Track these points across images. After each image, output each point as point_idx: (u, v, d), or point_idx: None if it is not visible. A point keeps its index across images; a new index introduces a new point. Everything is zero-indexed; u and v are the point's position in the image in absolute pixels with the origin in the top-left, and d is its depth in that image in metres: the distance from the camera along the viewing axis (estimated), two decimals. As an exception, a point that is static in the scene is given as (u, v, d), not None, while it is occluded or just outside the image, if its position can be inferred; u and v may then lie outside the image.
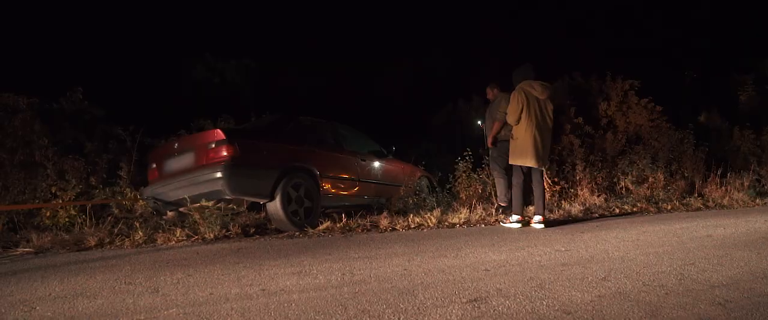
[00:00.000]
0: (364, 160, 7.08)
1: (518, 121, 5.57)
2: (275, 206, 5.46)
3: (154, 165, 5.89)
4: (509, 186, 6.02)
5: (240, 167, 5.20)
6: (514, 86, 5.73)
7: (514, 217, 5.67)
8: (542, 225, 5.60)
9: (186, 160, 5.47)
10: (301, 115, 6.63)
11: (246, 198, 5.46)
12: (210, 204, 5.31)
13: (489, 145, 6.28)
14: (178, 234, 5.05)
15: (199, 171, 5.21)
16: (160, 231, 5.27)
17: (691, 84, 15.99)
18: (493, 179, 7.09)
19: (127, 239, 5.00)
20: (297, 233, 5.45)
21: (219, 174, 5.06)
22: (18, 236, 5.18)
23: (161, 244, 4.92)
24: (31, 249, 4.63)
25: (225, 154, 5.18)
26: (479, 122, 7.33)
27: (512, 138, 5.70)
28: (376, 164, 7.37)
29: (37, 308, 2.67)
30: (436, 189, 8.06)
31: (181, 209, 5.61)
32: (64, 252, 4.67)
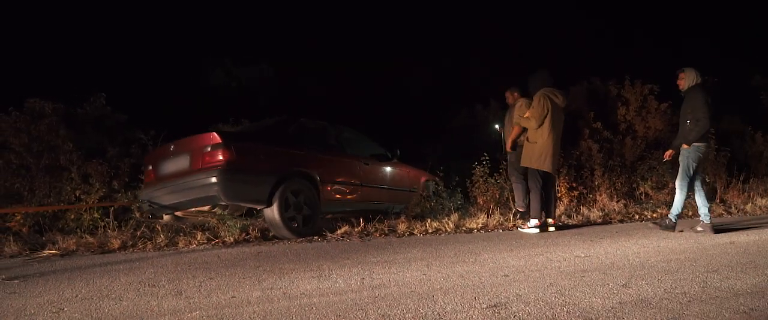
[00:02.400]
0: (368, 164, 6.81)
1: (540, 125, 5.57)
2: (272, 213, 5.30)
3: (150, 168, 5.75)
4: (527, 191, 6.03)
5: (236, 172, 5.06)
6: (532, 92, 5.76)
7: (532, 222, 5.67)
8: (554, 228, 5.87)
9: (181, 163, 5.31)
10: (304, 117, 6.44)
11: (242, 204, 5.33)
12: (206, 209, 5.26)
13: (508, 150, 6.28)
14: (198, 238, 5.13)
15: (194, 175, 5.06)
16: (181, 234, 5.35)
17: (711, 88, 15.78)
18: (511, 184, 7.07)
19: (149, 242, 5.09)
20: (315, 237, 5.49)
21: (214, 179, 4.93)
22: (44, 238, 5.29)
23: (182, 247, 4.99)
24: (56, 252, 4.73)
25: (220, 158, 5.02)
26: (497, 126, 7.27)
27: (528, 141, 5.72)
28: (380, 168, 7.10)
29: (65, 309, 2.74)
30: (442, 192, 7.73)
31: (177, 213, 5.52)
32: (88, 254, 4.77)
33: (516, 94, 6.34)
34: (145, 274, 3.64)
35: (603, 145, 9.38)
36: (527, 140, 5.74)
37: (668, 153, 5.86)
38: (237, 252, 4.66)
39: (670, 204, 8.27)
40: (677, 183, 5.49)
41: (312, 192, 5.69)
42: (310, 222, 5.61)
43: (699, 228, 5.43)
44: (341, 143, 6.68)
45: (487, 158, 7.98)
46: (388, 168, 7.26)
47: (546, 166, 5.61)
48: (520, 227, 5.85)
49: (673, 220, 5.52)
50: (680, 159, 5.47)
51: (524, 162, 5.73)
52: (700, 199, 5.54)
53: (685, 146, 5.43)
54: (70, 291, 3.15)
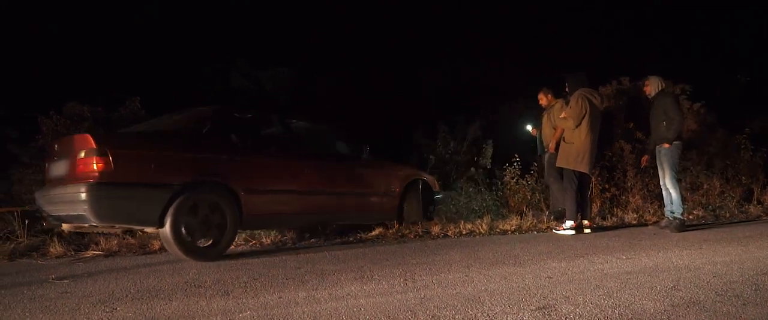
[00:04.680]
0: (322, 166, 5.42)
1: (578, 126, 5.54)
2: (166, 234, 4.24)
3: (46, 166, 4.74)
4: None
5: (113, 186, 4.01)
6: (570, 92, 5.74)
7: (568, 223, 5.62)
8: (589, 230, 5.82)
9: (62, 167, 4.39)
10: (238, 108, 5.29)
11: (123, 226, 4.43)
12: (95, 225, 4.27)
13: (551, 150, 6.21)
14: (237, 239, 5.20)
15: (67, 186, 4.13)
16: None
17: (745, 87, 15.42)
18: (544, 185, 7.01)
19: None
20: (350, 238, 5.52)
21: (83, 196, 3.92)
22: (86, 239, 5.42)
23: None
24: (100, 252, 4.85)
25: (93, 168, 3.97)
26: (529, 126, 7.11)
27: (564, 142, 5.71)
28: (341, 169, 5.68)
29: (118, 309, 2.80)
30: (438, 196, 6.75)
31: (64, 226, 4.52)
32: (130, 255, 4.88)
33: (550, 95, 6.29)
34: (189, 275, 3.70)
35: (635, 146, 9.24)
36: (564, 140, 5.71)
37: (645, 158, 6.44)
38: (275, 252, 4.72)
39: (706, 206, 8.14)
40: (668, 182, 5.91)
41: (225, 205, 4.49)
42: (220, 242, 4.48)
43: (663, 224, 6.04)
44: (289, 140, 5.39)
45: (517, 160, 7.93)
46: (354, 170, 5.80)
47: (583, 167, 5.59)
48: (555, 229, 5.80)
49: (680, 217, 5.81)
50: (664, 159, 5.90)
51: (560, 163, 5.70)
52: (668, 197, 6.01)
53: (666, 145, 5.82)
54: (120, 291, 3.22)
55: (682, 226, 5.75)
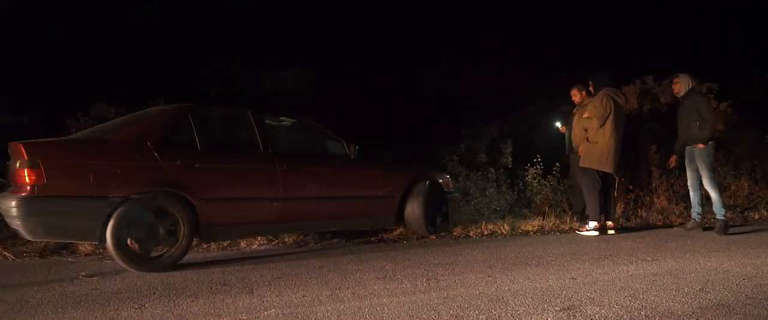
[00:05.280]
0: (298, 168, 4.73)
1: (602, 125, 5.46)
2: (109, 247, 3.85)
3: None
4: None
5: (45, 201, 3.67)
6: (595, 90, 5.66)
7: (591, 224, 5.55)
8: (613, 231, 5.70)
9: (10, 176, 4.09)
10: (202, 106, 4.66)
11: (61, 240, 4.21)
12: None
13: (581, 153, 6.05)
14: (259, 238, 5.25)
15: (6, 198, 3.81)
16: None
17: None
18: (566, 185, 6.94)
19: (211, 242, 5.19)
20: (372, 238, 5.54)
21: (14, 211, 3.64)
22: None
23: (244, 247, 5.13)
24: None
25: (25, 180, 3.66)
26: (557, 123, 6.89)
27: (588, 142, 5.61)
28: (322, 171, 5.00)
29: (146, 306, 2.86)
30: (452, 195, 5.93)
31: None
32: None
33: (584, 92, 6.07)
34: (214, 273, 3.75)
35: (660, 146, 9.10)
36: (588, 140, 5.62)
37: (673, 158, 6.20)
38: (297, 252, 4.76)
39: (734, 207, 7.97)
40: (707, 184, 5.65)
41: (183, 216, 4.04)
42: (169, 255, 4.01)
43: (689, 226, 5.87)
44: (264, 140, 4.69)
45: (539, 160, 7.85)
46: (340, 171, 5.14)
47: (607, 167, 5.51)
48: (579, 230, 5.73)
49: (723, 218, 5.57)
50: (699, 159, 5.68)
51: (584, 163, 5.61)
52: (696, 198, 5.85)
53: (701, 145, 5.59)
54: (147, 289, 3.28)
55: (726, 228, 5.51)
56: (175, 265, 3.99)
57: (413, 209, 5.36)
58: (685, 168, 5.98)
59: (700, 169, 5.68)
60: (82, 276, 3.75)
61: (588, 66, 5.79)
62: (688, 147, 5.77)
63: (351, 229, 5.44)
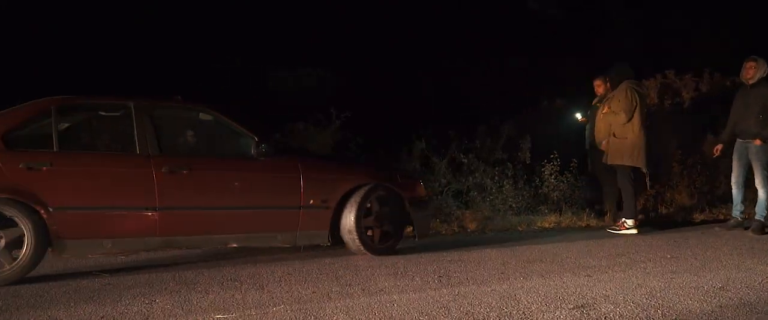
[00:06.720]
0: (182, 171, 3.85)
1: (630, 119, 5.25)
2: None
3: None
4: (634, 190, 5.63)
5: None
6: (616, 83, 5.45)
7: (630, 222, 5.33)
8: (636, 230, 5.41)
9: None
10: (76, 96, 4.07)
11: None
12: None
13: (604, 148, 5.89)
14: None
15: None
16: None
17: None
18: (584, 182, 6.82)
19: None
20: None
21: None
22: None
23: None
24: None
25: None
26: (578, 115, 6.64)
27: (615, 137, 5.38)
28: (220, 174, 4.07)
29: (157, 301, 2.86)
30: (416, 207, 4.49)
31: None
32: (168, 249, 4.96)
33: (608, 83, 5.84)
34: (226, 269, 3.76)
35: (681, 141, 8.92)
36: (614, 135, 5.38)
37: (718, 147, 5.64)
38: (309, 247, 4.74)
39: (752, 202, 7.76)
40: (759, 182, 5.21)
41: (28, 226, 3.46)
42: (12, 267, 3.43)
43: (731, 225, 5.43)
44: (136, 137, 3.87)
45: (556, 155, 7.73)
46: (248, 172, 4.15)
47: (639, 162, 5.27)
48: (611, 229, 5.49)
49: (762, 219, 5.20)
50: (755, 157, 5.19)
51: (615, 160, 5.37)
52: (739, 196, 5.45)
53: (758, 142, 5.13)
54: (159, 284, 3.29)
55: (763, 229, 5.15)
56: (22, 279, 3.43)
57: (346, 221, 4.25)
58: (709, 163, 5.63)
59: (754, 167, 5.23)
60: (95, 271, 3.77)
61: (604, 59, 5.59)
62: (740, 140, 5.32)
63: (264, 246, 4.40)
